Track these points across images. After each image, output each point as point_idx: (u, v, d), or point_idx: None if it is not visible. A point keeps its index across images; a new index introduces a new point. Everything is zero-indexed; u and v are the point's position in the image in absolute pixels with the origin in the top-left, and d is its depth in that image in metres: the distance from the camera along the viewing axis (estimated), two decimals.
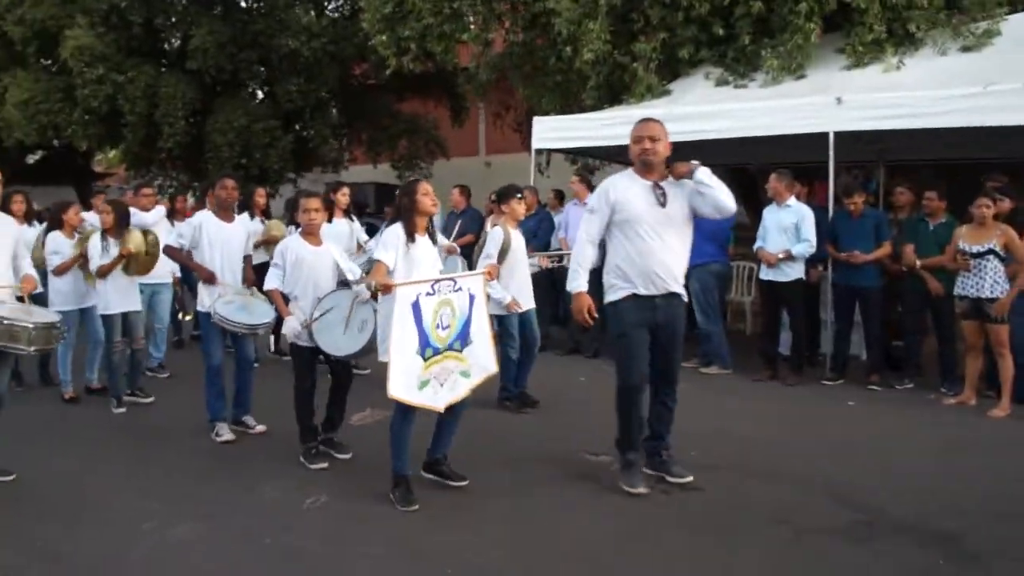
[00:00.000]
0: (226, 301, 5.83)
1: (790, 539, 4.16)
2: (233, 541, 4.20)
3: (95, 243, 6.71)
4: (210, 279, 5.94)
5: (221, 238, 6.05)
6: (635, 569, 3.85)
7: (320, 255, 5.50)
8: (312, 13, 17.16)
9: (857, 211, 7.49)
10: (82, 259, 6.85)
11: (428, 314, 4.45)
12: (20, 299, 4.90)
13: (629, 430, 4.92)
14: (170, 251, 6.26)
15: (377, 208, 15.66)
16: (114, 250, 6.68)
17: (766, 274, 7.67)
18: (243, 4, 17.12)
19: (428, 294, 4.46)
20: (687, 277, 7.64)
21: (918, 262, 7.12)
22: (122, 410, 6.74)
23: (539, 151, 9.88)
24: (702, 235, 7.80)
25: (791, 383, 7.50)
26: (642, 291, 4.73)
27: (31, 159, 22.83)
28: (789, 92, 8.37)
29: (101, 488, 4.89)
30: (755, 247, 7.80)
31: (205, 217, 6.12)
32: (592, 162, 12.24)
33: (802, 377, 7.58)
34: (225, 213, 6.17)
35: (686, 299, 5.00)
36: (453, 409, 4.76)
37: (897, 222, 7.92)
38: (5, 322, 4.53)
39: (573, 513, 4.54)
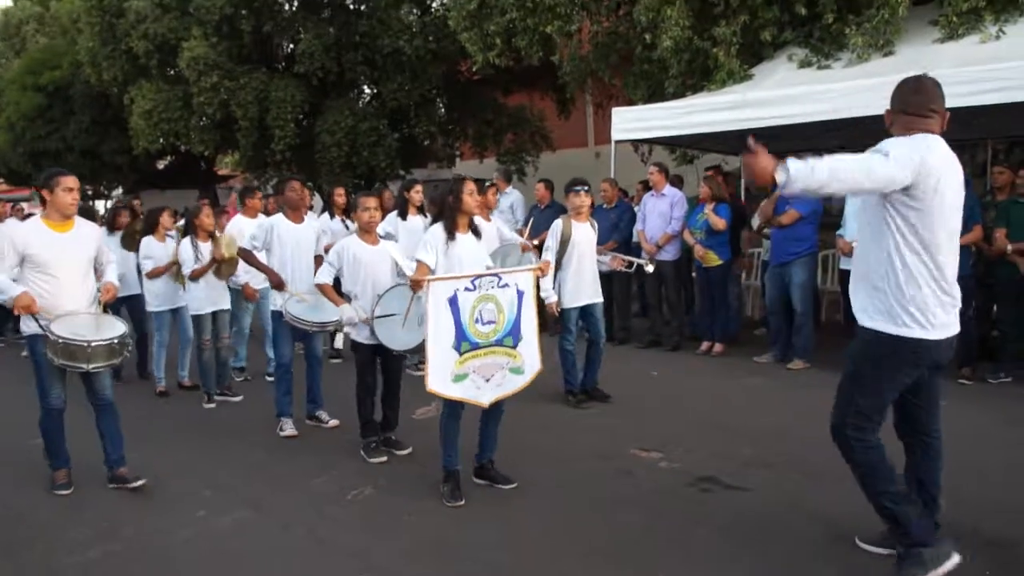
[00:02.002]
0: (297, 300, 6.03)
1: (829, 541, 4.01)
2: (272, 529, 4.40)
3: (186, 248, 7.07)
4: (279, 286, 6.14)
5: (292, 239, 6.23)
6: (660, 566, 3.79)
7: (378, 253, 5.60)
8: (416, 12, 17.47)
9: None
10: (175, 266, 7.23)
11: (466, 309, 4.46)
12: (105, 309, 5.07)
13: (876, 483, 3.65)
14: (243, 253, 6.49)
15: None
16: (204, 253, 7.02)
17: (845, 263, 7.37)
18: (350, 6, 17.58)
19: (468, 289, 4.48)
20: (788, 267, 7.64)
21: (1010, 246, 6.67)
22: (212, 405, 7.09)
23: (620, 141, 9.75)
24: (805, 223, 7.67)
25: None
26: (932, 334, 3.44)
27: (160, 164, 24.19)
28: (875, 71, 7.99)
29: (169, 476, 5.18)
30: (836, 234, 7.51)
31: (277, 219, 6.30)
32: (690, 152, 12.02)
33: None
34: (295, 214, 6.32)
35: None
36: (491, 413, 4.82)
37: (995, 204, 7.44)
38: (61, 342, 4.59)
39: (611, 510, 4.49)
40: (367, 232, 5.66)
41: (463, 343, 4.49)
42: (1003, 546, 3.90)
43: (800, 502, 4.53)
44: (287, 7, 17.26)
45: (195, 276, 6.98)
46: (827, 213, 9.35)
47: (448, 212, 4.83)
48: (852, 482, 4.68)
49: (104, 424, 5.00)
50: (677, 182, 9.72)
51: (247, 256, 6.43)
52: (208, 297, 7.11)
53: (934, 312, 3.39)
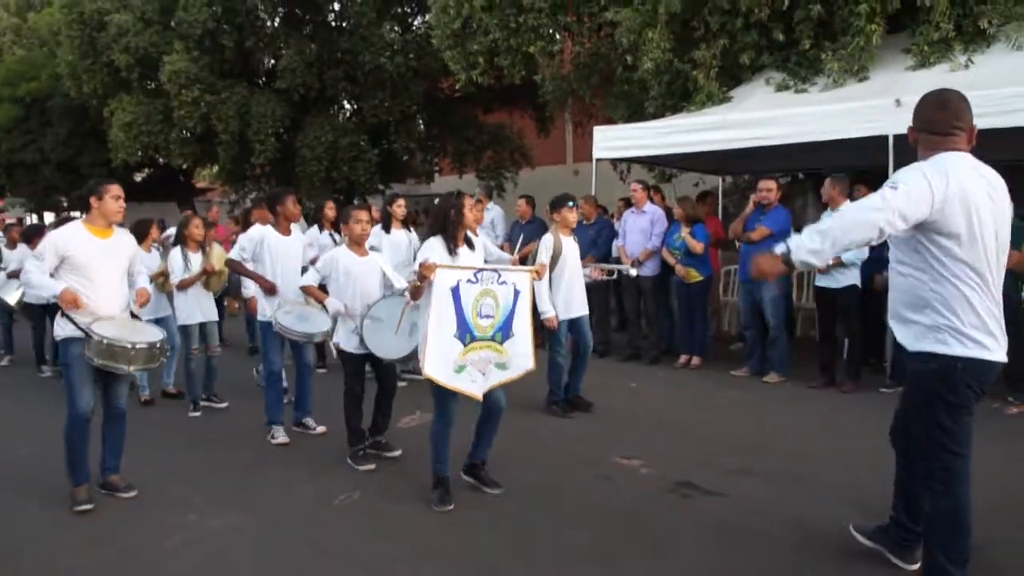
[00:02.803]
0: (285, 311, 6.12)
1: (803, 544, 4.15)
2: (261, 533, 4.47)
3: (176, 257, 7.15)
4: (271, 291, 6.29)
5: (280, 251, 6.36)
6: (640, 569, 3.91)
7: (367, 265, 5.71)
8: (397, 29, 17.66)
9: None
10: (161, 276, 7.27)
11: (469, 301, 4.57)
12: (135, 315, 5.13)
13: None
14: (232, 264, 6.60)
15: None
16: (194, 264, 7.12)
17: (820, 280, 7.58)
18: (332, 23, 17.73)
19: (470, 281, 4.59)
20: (759, 282, 7.83)
21: None
22: (197, 414, 7.14)
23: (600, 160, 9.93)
24: (774, 240, 7.87)
25: (846, 390, 7.36)
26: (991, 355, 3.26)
27: (138, 177, 24.12)
28: (849, 95, 8.24)
29: (157, 481, 5.23)
30: None
31: (266, 231, 6.41)
32: (669, 171, 12.24)
33: (859, 384, 7.42)
34: (284, 227, 6.46)
35: None
36: (491, 413, 4.93)
37: None
38: (105, 342, 4.61)
39: (593, 515, 4.61)
40: (358, 244, 5.76)
41: (467, 334, 4.59)
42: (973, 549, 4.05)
43: (776, 508, 4.67)
44: (269, 23, 17.42)
45: (183, 286, 7.07)
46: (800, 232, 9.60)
47: (450, 227, 4.84)
48: (826, 490, 4.90)
49: (111, 431, 5.04)
50: (660, 198, 9.92)
51: (236, 266, 6.52)
52: (197, 308, 7.18)
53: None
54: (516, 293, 4.75)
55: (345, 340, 5.58)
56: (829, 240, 3.15)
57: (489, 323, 4.66)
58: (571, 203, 6.88)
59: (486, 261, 7.40)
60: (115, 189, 4.85)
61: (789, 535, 4.26)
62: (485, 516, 4.65)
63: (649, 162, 11.06)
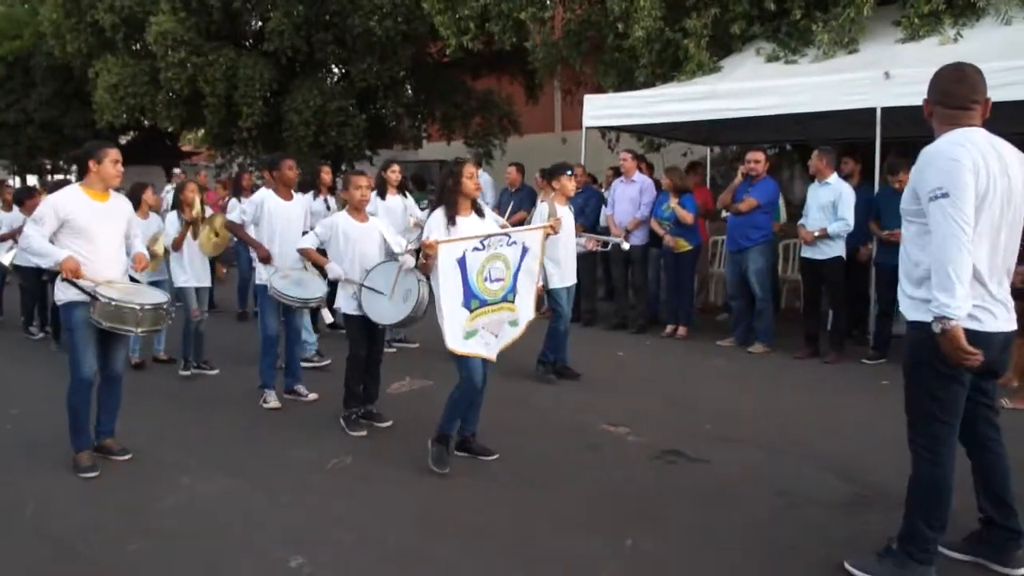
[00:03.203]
0: (282, 276, 6.15)
1: (782, 509, 4.27)
2: (255, 496, 4.55)
3: (172, 221, 7.21)
4: (266, 259, 6.31)
5: (281, 215, 6.38)
6: (627, 532, 4.01)
7: (367, 231, 5.74)
8: None
9: (902, 188, 7.31)
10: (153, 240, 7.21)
11: (475, 268, 4.61)
12: (133, 279, 5.17)
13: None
14: (232, 227, 6.67)
15: None
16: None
17: (805, 252, 7.67)
18: None
19: (476, 249, 4.61)
20: (745, 253, 7.89)
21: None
22: (187, 373, 7.22)
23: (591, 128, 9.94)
24: (762, 211, 7.96)
25: (830, 361, 7.49)
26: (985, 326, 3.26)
27: (123, 140, 23.91)
28: (839, 67, 8.28)
29: (151, 445, 5.29)
30: (798, 224, 7.80)
31: (266, 195, 6.45)
32: (657, 140, 12.26)
33: (842, 355, 7.54)
34: (285, 191, 6.47)
35: None
36: (479, 388, 4.92)
37: None
38: (113, 304, 4.63)
39: (582, 480, 4.71)
40: (357, 210, 5.78)
41: (472, 300, 4.64)
42: None
43: (758, 473, 4.79)
44: None
45: (176, 245, 7.11)
46: (791, 204, 9.69)
47: (448, 196, 4.79)
48: (808, 458, 5.02)
49: (107, 395, 5.09)
50: (648, 169, 9.95)
51: (235, 229, 6.61)
52: (192, 272, 7.21)
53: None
54: (524, 250, 4.80)
55: (346, 304, 5.64)
56: (951, 280, 3.03)
57: (499, 286, 4.72)
58: (569, 171, 6.91)
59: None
60: (114, 153, 4.84)
61: (771, 501, 4.37)
62: (474, 483, 4.72)
63: (638, 131, 11.09)
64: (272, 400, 6.26)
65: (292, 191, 6.58)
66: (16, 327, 9.53)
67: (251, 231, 6.53)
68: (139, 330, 4.81)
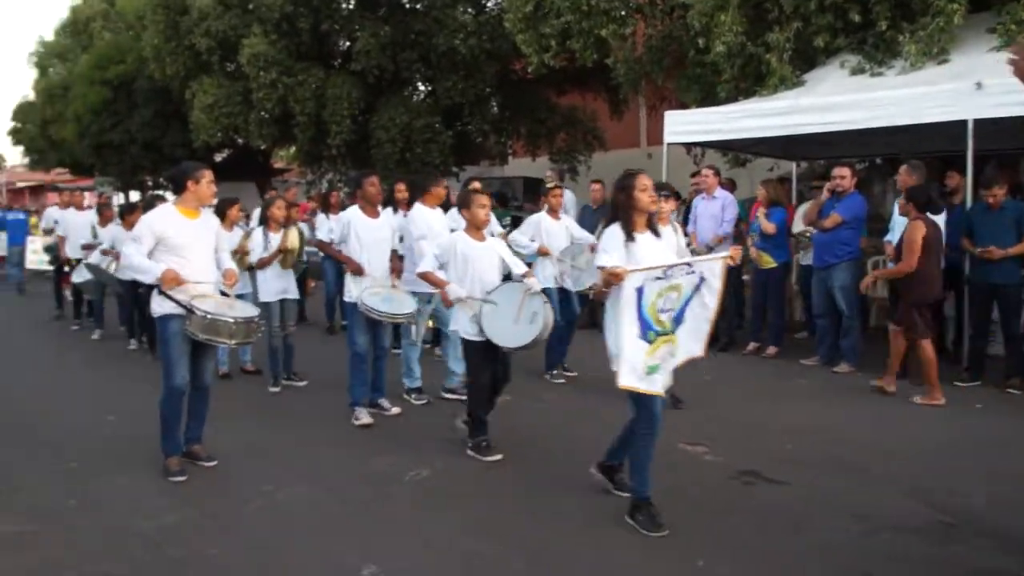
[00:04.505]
0: (372, 292, 6.20)
1: (861, 534, 4.16)
2: (332, 504, 4.68)
3: (257, 237, 7.38)
4: (358, 271, 6.34)
5: (368, 233, 6.42)
6: (700, 553, 3.97)
7: (485, 251, 5.61)
8: (471, 11, 17.75)
9: (996, 203, 7.10)
10: (239, 253, 7.41)
11: (649, 297, 4.18)
12: (223, 293, 5.25)
13: None
14: (322, 245, 6.76)
15: (524, 201, 16.09)
16: (274, 244, 7.28)
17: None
18: (406, 5, 17.89)
19: (658, 279, 4.20)
20: (831, 270, 7.73)
21: None
22: (277, 389, 7.36)
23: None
24: (848, 228, 7.79)
25: (918, 382, 7.23)
26: None
27: (218, 157, 24.81)
28: (928, 79, 8.04)
29: (235, 453, 5.48)
30: (884, 240, 7.60)
31: (353, 214, 6.49)
32: (742, 155, 12.11)
33: None
34: (371, 209, 6.53)
35: None
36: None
37: None
38: (209, 317, 4.81)
39: (657, 500, 4.58)
40: (477, 229, 5.63)
41: (648, 331, 4.22)
42: None
43: (838, 496, 4.68)
44: (345, 5, 17.66)
45: (261, 265, 7.26)
46: (876, 219, 9.44)
47: (622, 211, 4.38)
48: (891, 483, 4.87)
49: (196, 403, 5.27)
50: (730, 185, 9.85)
51: (324, 247, 6.67)
52: (277, 286, 7.34)
53: None
54: (700, 280, 4.27)
55: (465, 328, 5.43)
56: None
57: (668, 316, 4.27)
58: (664, 193, 6.49)
59: (571, 243, 7.48)
60: (209, 174, 5.09)
61: (850, 526, 4.27)
62: (546, 499, 4.74)
63: (721, 146, 10.97)
64: (363, 417, 6.26)
65: (378, 208, 6.63)
66: (114, 338, 9.96)
67: (341, 249, 6.56)
68: (232, 342, 5.04)
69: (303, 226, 8.59)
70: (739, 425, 6.18)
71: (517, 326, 5.25)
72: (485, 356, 5.39)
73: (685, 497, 4.71)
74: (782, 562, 3.89)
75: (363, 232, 6.40)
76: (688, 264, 4.31)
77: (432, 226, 6.59)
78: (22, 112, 32.44)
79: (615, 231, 4.35)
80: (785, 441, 5.69)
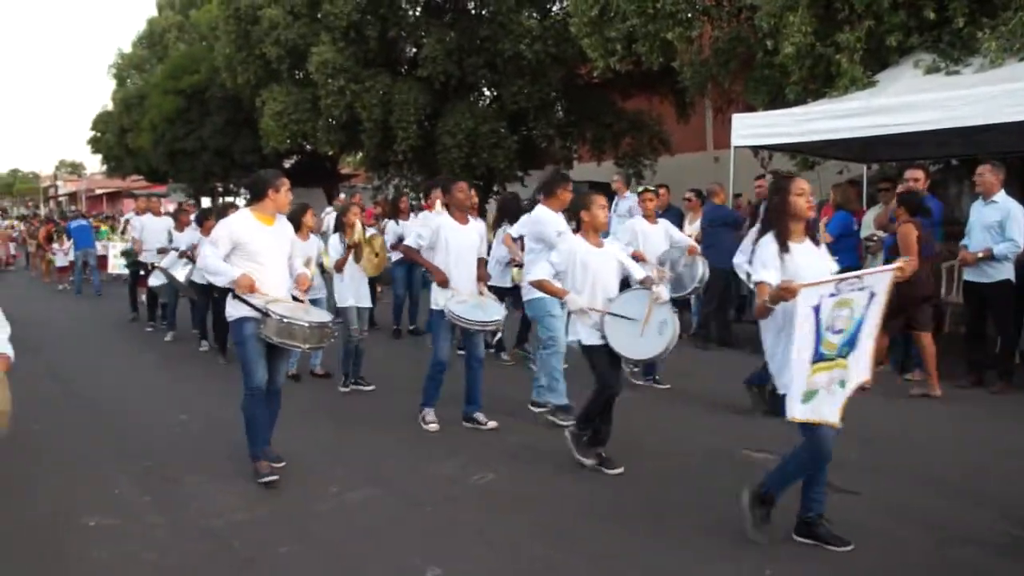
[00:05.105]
0: (459, 300, 6.02)
1: (934, 547, 4.05)
2: (399, 506, 4.76)
3: (334, 242, 7.42)
4: (444, 283, 6.10)
5: (457, 240, 6.18)
6: (767, 562, 3.91)
7: (605, 257, 5.31)
8: (536, 16, 17.78)
9: None
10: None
11: (824, 317, 3.79)
12: (295, 298, 5.31)
13: None
14: (407, 251, 6.56)
15: None
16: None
17: (969, 275, 7.23)
18: (472, 11, 18.02)
19: (832, 295, 3.79)
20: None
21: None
22: (346, 389, 7.48)
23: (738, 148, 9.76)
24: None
25: (995, 391, 7.01)
26: None
27: (287, 163, 25.32)
28: (1009, 76, 7.76)
29: (304, 454, 5.58)
30: (960, 244, 7.37)
31: (443, 220, 6.27)
32: (811, 158, 11.87)
33: (1010, 386, 7.04)
34: (460, 215, 6.28)
35: None
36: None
37: None
38: (285, 320, 4.89)
39: (719, 507, 4.57)
40: (595, 232, 5.36)
41: (814, 356, 3.85)
42: None
43: (910, 508, 4.57)
44: (411, 12, 17.86)
45: (338, 268, 7.31)
46: (953, 223, 9.16)
47: (777, 219, 4.03)
48: (964, 494, 4.72)
49: (269, 406, 5.25)
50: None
51: (411, 253, 6.46)
52: (353, 292, 7.37)
53: None
54: (871, 296, 3.89)
55: (586, 335, 5.15)
56: None
57: (838, 338, 3.86)
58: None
59: (670, 246, 7.30)
60: (288, 183, 5.18)
61: (922, 538, 4.15)
62: (611, 504, 4.74)
63: (790, 149, 10.78)
64: (431, 419, 6.24)
65: (467, 214, 6.37)
66: (187, 340, 10.22)
67: (427, 255, 6.28)
68: (306, 346, 5.12)
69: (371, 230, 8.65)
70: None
71: (645, 337, 4.94)
72: (612, 361, 5.14)
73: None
74: (853, 574, 3.79)
75: (452, 238, 6.17)
76: (858, 277, 3.89)
77: (558, 227, 6.27)
78: (101, 121, 33.66)
79: (769, 243, 3.99)
80: (854, 449, 5.53)
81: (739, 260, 6.37)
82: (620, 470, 5.12)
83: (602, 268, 5.22)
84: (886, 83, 8.96)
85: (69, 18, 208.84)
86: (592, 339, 5.09)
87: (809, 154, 11.17)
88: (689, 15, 10.97)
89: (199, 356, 9.57)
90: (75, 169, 75.28)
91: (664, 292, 4.97)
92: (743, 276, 6.11)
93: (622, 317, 4.99)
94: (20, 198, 76.30)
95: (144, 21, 34.95)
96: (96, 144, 34.59)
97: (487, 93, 19.26)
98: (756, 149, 11.04)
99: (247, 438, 5.15)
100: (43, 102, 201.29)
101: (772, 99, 10.91)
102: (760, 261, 3.98)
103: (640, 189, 8.60)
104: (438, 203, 7.65)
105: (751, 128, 9.31)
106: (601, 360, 5.11)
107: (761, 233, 4.10)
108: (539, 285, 5.36)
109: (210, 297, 9.29)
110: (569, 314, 5.32)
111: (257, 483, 4.97)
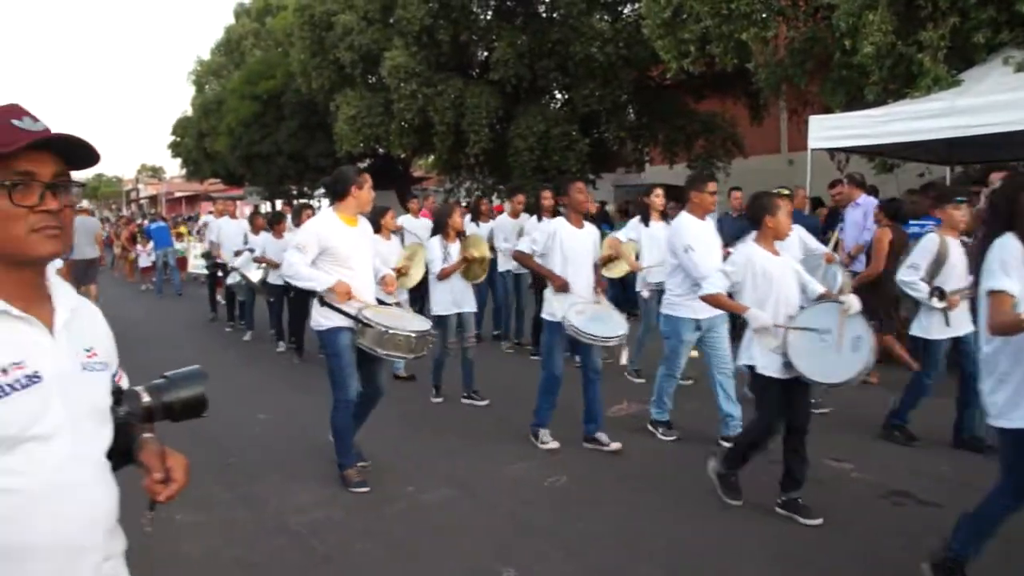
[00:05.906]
0: (578, 311, 5.55)
1: (1017, 569, 3.90)
2: (475, 507, 4.79)
3: (435, 247, 6.99)
4: (563, 288, 5.66)
5: (573, 245, 5.75)
6: (842, 574, 3.82)
7: (784, 266, 4.63)
8: (607, 18, 17.75)
9: None
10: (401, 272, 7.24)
11: None
12: (381, 302, 5.14)
13: None
14: (521, 257, 6.07)
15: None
16: (453, 254, 6.97)
17: None
18: (543, 14, 18.06)
19: None
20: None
21: None
22: (440, 400, 7.22)
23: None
24: None
25: None
26: None
27: (361, 166, 25.65)
28: None
29: (383, 454, 5.61)
30: None
31: (559, 224, 5.82)
32: (890, 161, 11.58)
33: None
34: (576, 218, 5.82)
35: None
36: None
37: None
38: (390, 332, 4.69)
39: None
40: (776, 240, 4.70)
41: None
42: None
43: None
44: (483, 16, 17.99)
45: (443, 276, 6.92)
46: None
47: (1018, 219, 3.31)
48: None
49: (365, 406, 5.16)
50: (872, 192, 9.44)
51: (525, 259, 6.00)
52: (452, 299, 7.01)
53: None
54: None
55: (765, 362, 4.44)
56: None
57: None
58: (961, 199, 5.71)
59: (805, 255, 6.57)
60: (369, 179, 4.98)
61: (1015, 559, 4.00)
62: (684, 510, 4.70)
63: (869, 152, 10.53)
64: (548, 440, 5.82)
65: (583, 218, 5.91)
66: (264, 340, 10.45)
67: (540, 261, 5.86)
68: (411, 356, 5.00)
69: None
70: (890, 443, 5.88)
71: (839, 356, 4.25)
72: (786, 396, 4.43)
73: (831, 516, 4.53)
74: None
75: (568, 243, 5.72)
76: None
77: (700, 237, 5.79)
78: (181, 127, 34.66)
79: (1011, 244, 3.25)
80: (943, 463, 5.40)
81: (909, 277, 5.64)
82: (819, 521, 4.41)
83: (784, 279, 4.54)
84: (972, 82, 8.68)
85: (151, 28, 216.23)
86: (770, 368, 4.40)
87: (889, 156, 10.90)
88: (764, 15, 10.81)
89: (276, 356, 9.77)
90: (156, 173, 77.60)
91: (855, 302, 4.31)
92: (915, 293, 5.60)
93: (814, 331, 4.30)
94: (104, 201, 79.00)
95: (222, 29, 36.00)
96: (176, 148, 35.63)
97: (558, 96, 19.31)
98: (833, 151, 10.82)
99: (336, 448, 5.08)
100: (126, 109, 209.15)
101: (850, 100, 10.67)
102: (1003, 264, 3.22)
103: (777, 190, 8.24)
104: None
105: (829, 130, 9.14)
106: (775, 392, 4.43)
107: (992, 234, 3.35)
108: (714, 300, 4.69)
109: (285, 297, 9.47)
110: (742, 332, 4.68)
111: (346, 489, 4.96)
